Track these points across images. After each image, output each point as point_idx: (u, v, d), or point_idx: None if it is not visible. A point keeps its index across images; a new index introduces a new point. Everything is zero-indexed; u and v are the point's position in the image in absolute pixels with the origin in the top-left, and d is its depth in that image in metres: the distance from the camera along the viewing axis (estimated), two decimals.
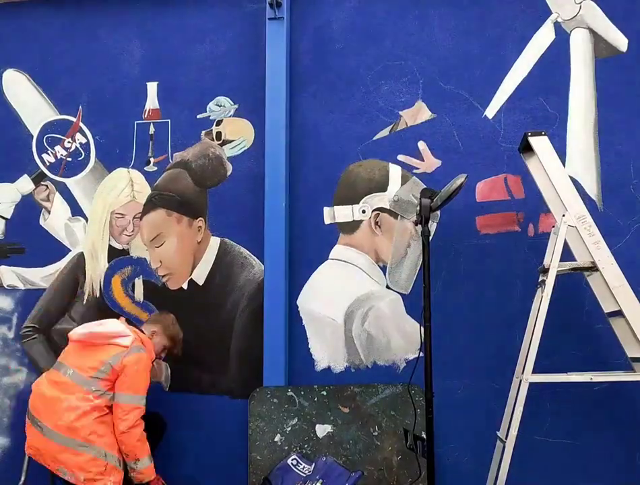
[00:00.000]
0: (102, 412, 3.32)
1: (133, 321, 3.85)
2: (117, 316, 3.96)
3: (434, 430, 2.94)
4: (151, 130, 4.25)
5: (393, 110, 3.97)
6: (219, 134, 4.17)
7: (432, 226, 3.83)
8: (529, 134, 3.26)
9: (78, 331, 3.52)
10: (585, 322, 3.63)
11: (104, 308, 4.17)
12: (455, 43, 3.93)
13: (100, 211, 4.27)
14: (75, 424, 3.26)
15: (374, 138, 3.97)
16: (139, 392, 3.39)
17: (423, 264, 3.13)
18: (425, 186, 3.85)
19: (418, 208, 3.11)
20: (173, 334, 3.80)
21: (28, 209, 4.35)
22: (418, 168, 3.91)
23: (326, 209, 3.99)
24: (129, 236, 4.22)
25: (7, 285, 4.32)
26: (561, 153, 3.73)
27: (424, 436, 3.10)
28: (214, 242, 4.10)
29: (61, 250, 4.28)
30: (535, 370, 3.05)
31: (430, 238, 3.81)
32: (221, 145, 4.16)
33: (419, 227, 3.26)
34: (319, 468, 3.47)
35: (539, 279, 3.30)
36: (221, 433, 3.96)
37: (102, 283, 4.21)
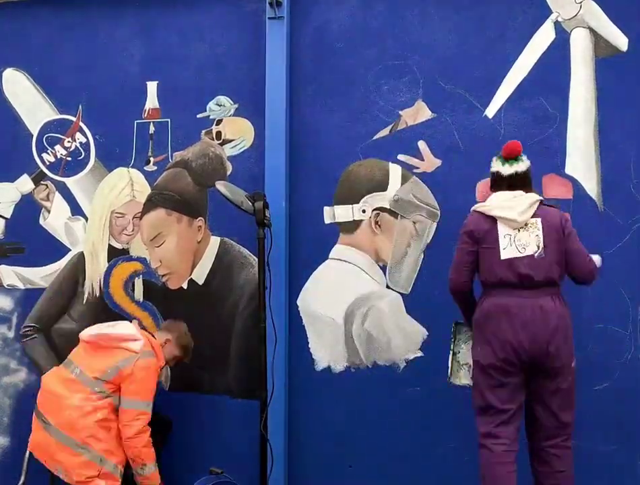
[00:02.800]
0: (104, 415, 3.32)
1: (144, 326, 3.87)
2: (116, 316, 3.98)
3: None
4: (151, 129, 4.25)
5: (393, 110, 3.97)
6: (219, 133, 4.17)
7: (432, 226, 3.84)
8: None
9: (89, 332, 3.52)
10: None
11: (103, 307, 4.17)
12: (455, 43, 3.93)
13: (99, 211, 4.26)
14: (76, 422, 3.27)
15: (374, 138, 3.97)
16: (146, 398, 3.39)
17: (259, 264, 3.48)
18: (424, 186, 3.87)
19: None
20: (185, 344, 3.83)
21: (28, 208, 4.35)
22: (418, 168, 3.90)
23: (326, 209, 3.99)
24: (129, 235, 4.21)
25: (7, 285, 4.32)
26: (561, 153, 3.73)
27: None
28: (214, 242, 4.10)
29: (61, 250, 4.28)
30: None
31: (430, 237, 3.85)
32: (221, 144, 4.15)
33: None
34: None
35: None
36: (221, 433, 3.96)
37: (101, 283, 4.21)
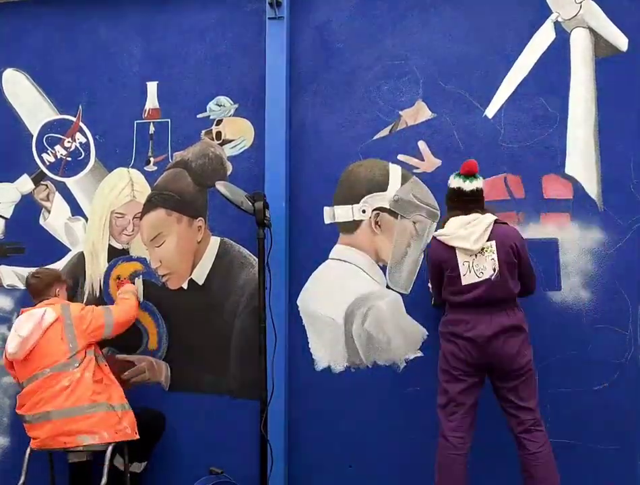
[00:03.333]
0: (91, 371, 3.48)
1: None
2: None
3: None
4: (151, 129, 4.25)
5: (393, 110, 3.97)
6: (219, 133, 4.17)
7: (432, 226, 3.84)
8: None
9: (14, 350, 3.50)
10: None
11: None
12: (455, 43, 3.92)
13: (99, 211, 4.26)
14: (75, 393, 3.39)
15: (374, 138, 3.97)
16: (102, 317, 3.65)
17: (259, 264, 3.53)
18: (424, 186, 3.87)
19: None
20: (59, 275, 3.89)
21: (28, 208, 4.35)
22: (418, 168, 3.90)
23: (326, 209, 3.99)
24: (129, 235, 4.22)
25: (7, 285, 4.33)
26: (561, 153, 3.73)
27: None
28: (214, 242, 4.10)
29: (61, 250, 4.28)
30: None
31: (430, 237, 3.84)
32: (221, 144, 4.16)
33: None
34: None
35: None
36: (221, 433, 3.96)
37: (101, 283, 4.21)
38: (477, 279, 3.20)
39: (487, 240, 3.21)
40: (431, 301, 3.64)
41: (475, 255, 3.21)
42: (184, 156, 4.18)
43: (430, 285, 3.55)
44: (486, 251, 3.20)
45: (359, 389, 3.85)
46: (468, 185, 3.31)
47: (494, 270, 3.18)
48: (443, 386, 3.32)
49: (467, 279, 3.22)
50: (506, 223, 3.37)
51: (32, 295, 3.79)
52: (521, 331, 3.22)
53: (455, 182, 3.35)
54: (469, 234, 3.22)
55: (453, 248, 3.26)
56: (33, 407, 3.47)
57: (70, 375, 3.44)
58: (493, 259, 3.19)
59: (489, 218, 3.26)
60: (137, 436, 3.53)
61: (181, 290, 4.11)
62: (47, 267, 4.07)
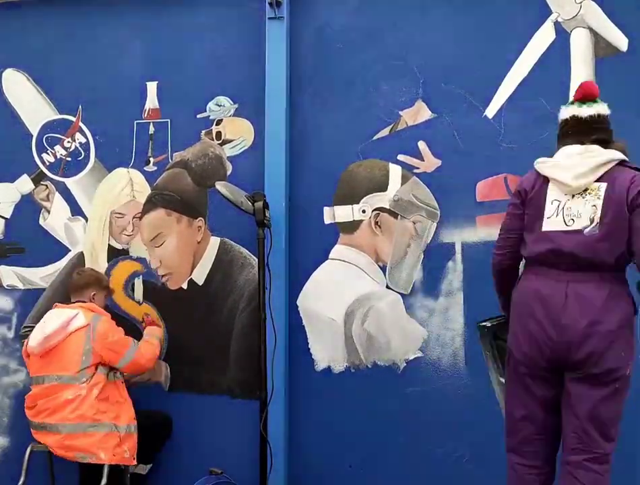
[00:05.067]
0: (99, 389, 3.39)
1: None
2: (117, 316, 3.97)
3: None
4: (151, 130, 4.25)
5: (393, 110, 3.97)
6: (219, 134, 4.17)
7: (432, 226, 3.84)
8: None
9: (34, 344, 3.48)
10: None
11: (103, 307, 4.16)
12: (455, 43, 3.92)
13: (99, 211, 4.26)
14: (79, 409, 3.33)
15: (374, 138, 3.97)
16: (127, 347, 3.52)
17: (259, 264, 3.51)
18: (424, 186, 3.87)
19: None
20: (101, 279, 3.84)
21: (28, 208, 4.34)
22: (418, 168, 3.90)
23: (326, 209, 3.99)
24: (129, 235, 4.21)
25: (7, 285, 4.32)
26: None
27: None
28: (214, 242, 4.10)
29: (61, 250, 4.28)
30: None
31: (430, 237, 3.85)
32: (221, 144, 4.15)
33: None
34: None
35: None
36: (221, 433, 3.96)
37: None
38: (564, 227, 2.41)
39: (596, 181, 2.40)
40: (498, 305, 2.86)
41: (573, 196, 2.41)
42: (184, 156, 4.18)
43: (495, 244, 2.70)
44: (590, 194, 2.40)
45: (359, 389, 3.84)
46: (585, 110, 2.51)
47: (592, 221, 2.37)
48: (507, 387, 2.64)
49: (550, 224, 2.43)
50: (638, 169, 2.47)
51: (69, 291, 3.75)
52: (620, 318, 2.37)
53: (567, 111, 2.58)
54: (572, 165, 2.43)
55: (545, 180, 2.49)
56: (38, 414, 3.44)
57: (75, 389, 3.36)
58: (595, 205, 2.38)
59: (610, 154, 2.44)
60: (134, 462, 3.47)
61: (181, 290, 4.11)
62: (94, 268, 4.01)
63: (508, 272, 2.67)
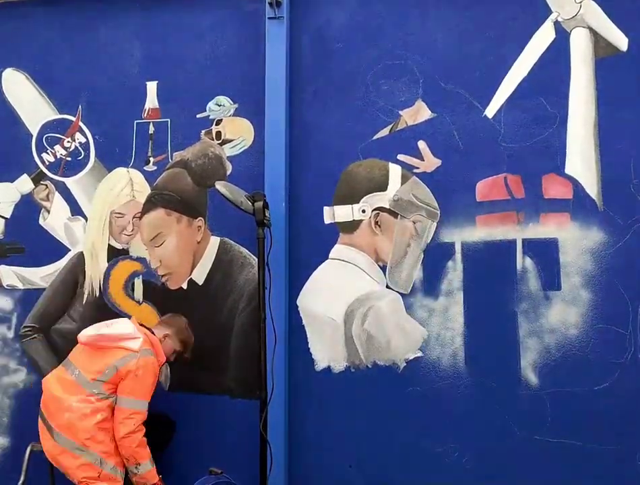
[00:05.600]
0: (103, 417, 3.31)
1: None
2: (116, 316, 3.97)
3: None
4: (151, 129, 4.25)
5: (393, 110, 3.97)
6: (219, 133, 4.17)
7: (432, 226, 3.84)
8: None
9: (86, 333, 3.50)
10: None
11: (103, 307, 4.16)
12: (455, 43, 3.92)
13: (99, 211, 4.26)
14: (75, 425, 3.27)
15: (374, 137, 3.97)
16: (142, 397, 3.38)
17: (259, 264, 3.46)
18: (424, 186, 3.87)
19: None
20: (185, 338, 3.84)
21: (28, 208, 4.34)
22: (417, 168, 3.90)
23: (326, 209, 3.99)
24: (129, 235, 4.21)
25: (7, 285, 4.32)
26: (561, 153, 3.73)
27: None
28: (214, 242, 4.10)
29: (61, 250, 4.28)
30: None
31: (430, 237, 3.85)
32: (221, 144, 4.15)
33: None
34: None
35: None
36: (221, 433, 3.96)
37: (101, 283, 4.21)
38: None
39: None
40: None
41: None
42: (184, 156, 4.18)
43: None
44: None
45: (359, 389, 3.84)
46: None
47: None
48: None
49: None
50: None
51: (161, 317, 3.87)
52: None
53: None
54: None
55: None
56: (50, 414, 3.39)
57: (83, 397, 3.32)
58: None
59: None
60: None
61: (181, 290, 4.11)
62: (176, 315, 4.05)
63: None
